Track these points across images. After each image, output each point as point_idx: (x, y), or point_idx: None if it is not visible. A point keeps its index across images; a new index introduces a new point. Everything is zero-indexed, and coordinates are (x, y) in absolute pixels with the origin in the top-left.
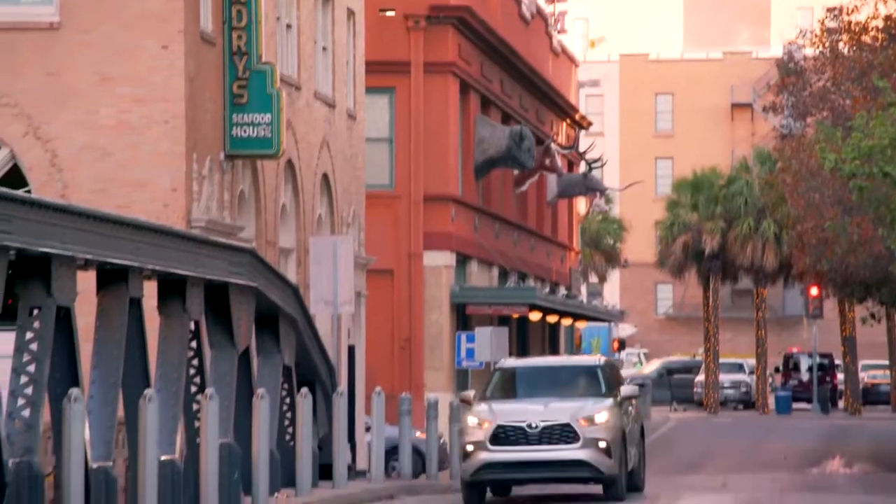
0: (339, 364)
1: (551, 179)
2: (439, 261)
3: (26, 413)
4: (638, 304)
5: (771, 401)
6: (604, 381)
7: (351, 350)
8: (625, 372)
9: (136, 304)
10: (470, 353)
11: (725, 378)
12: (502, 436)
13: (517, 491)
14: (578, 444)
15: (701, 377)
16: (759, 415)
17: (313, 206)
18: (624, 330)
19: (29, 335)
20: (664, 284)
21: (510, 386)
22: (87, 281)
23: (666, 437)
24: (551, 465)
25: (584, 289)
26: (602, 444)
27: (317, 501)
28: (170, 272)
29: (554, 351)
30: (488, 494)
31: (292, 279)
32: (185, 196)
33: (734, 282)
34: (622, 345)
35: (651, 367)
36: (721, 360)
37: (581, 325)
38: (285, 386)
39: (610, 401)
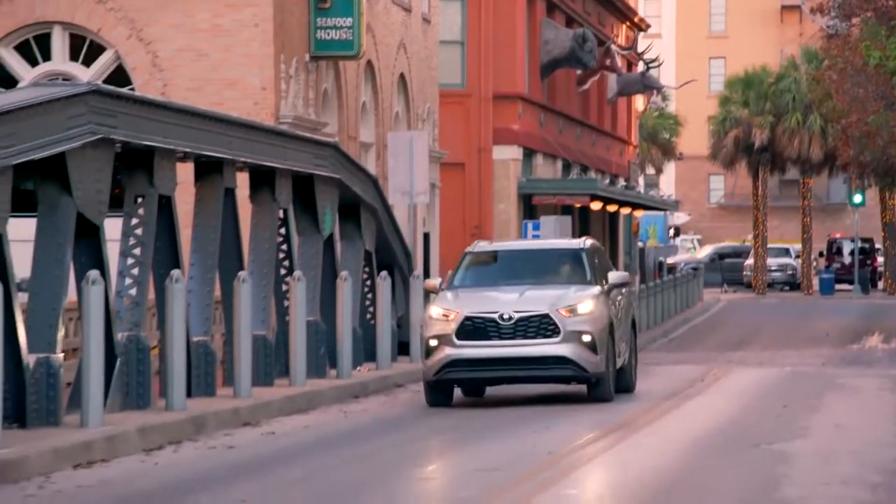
0: (415, 249)
1: (611, 78)
2: (507, 154)
3: (133, 292)
4: (692, 193)
5: (815, 282)
6: (589, 266)
7: (426, 237)
8: (679, 257)
9: (230, 194)
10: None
11: (773, 262)
12: (470, 329)
13: (492, 392)
14: (559, 338)
15: (750, 261)
16: (803, 296)
17: (391, 103)
18: (679, 218)
19: (134, 221)
20: (716, 175)
21: (482, 273)
22: (185, 172)
23: (716, 316)
24: (527, 362)
25: (641, 180)
26: (586, 338)
27: (396, 374)
28: (260, 164)
29: (613, 239)
30: (458, 395)
31: (372, 171)
32: (274, 94)
33: (782, 172)
34: (677, 232)
35: (704, 252)
36: (769, 246)
37: (638, 213)
38: (366, 269)
39: (596, 289)
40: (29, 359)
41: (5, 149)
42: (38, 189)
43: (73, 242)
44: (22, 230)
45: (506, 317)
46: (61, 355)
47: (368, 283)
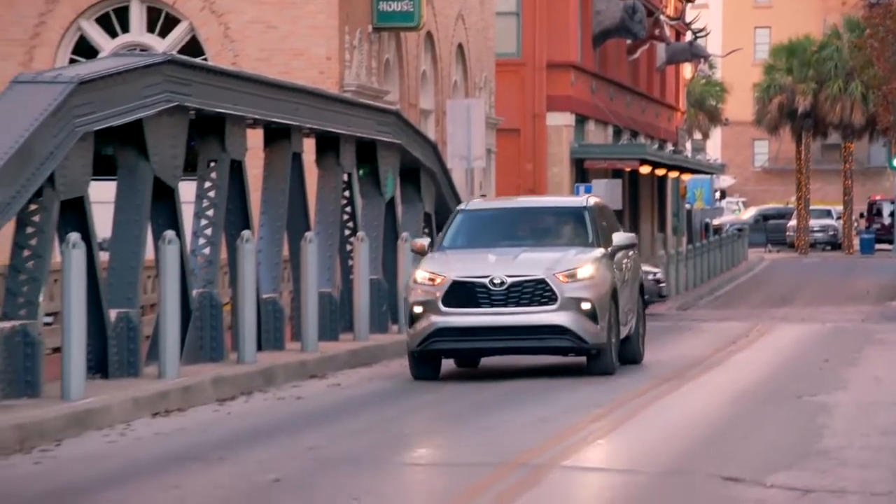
0: None
1: (660, 48)
2: (560, 121)
3: (207, 251)
4: (737, 158)
5: (856, 242)
6: (592, 227)
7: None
8: (724, 218)
9: (297, 158)
10: None
11: (815, 223)
12: (458, 294)
13: (486, 362)
14: (555, 306)
15: (793, 222)
16: (844, 255)
17: (450, 72)
18: (724, 181)
19: (207, 184)
20: (761, 140)
21: (476, 233)
22: (255, 138)
23: (760, 275)
24: (520, 331)
25: (688, 145)
26: (585, 306)
27: None
28: (325, 130)
29: (662, 201)
30: (451, 365)
31: (431, 137)
32: (339, 64)
33: (824, 137)
34: (723, 194)
35: (748, 214)
36: (811, 207)
37: (686, 177)
38: (426, 230)
39: (598, 251)
40: (110, 314)
41: (87, 116)
42: (118, 154)
43: (151, 204)
44: (103, 193)
45: (497, 281)
46: (140, 310)
47: None
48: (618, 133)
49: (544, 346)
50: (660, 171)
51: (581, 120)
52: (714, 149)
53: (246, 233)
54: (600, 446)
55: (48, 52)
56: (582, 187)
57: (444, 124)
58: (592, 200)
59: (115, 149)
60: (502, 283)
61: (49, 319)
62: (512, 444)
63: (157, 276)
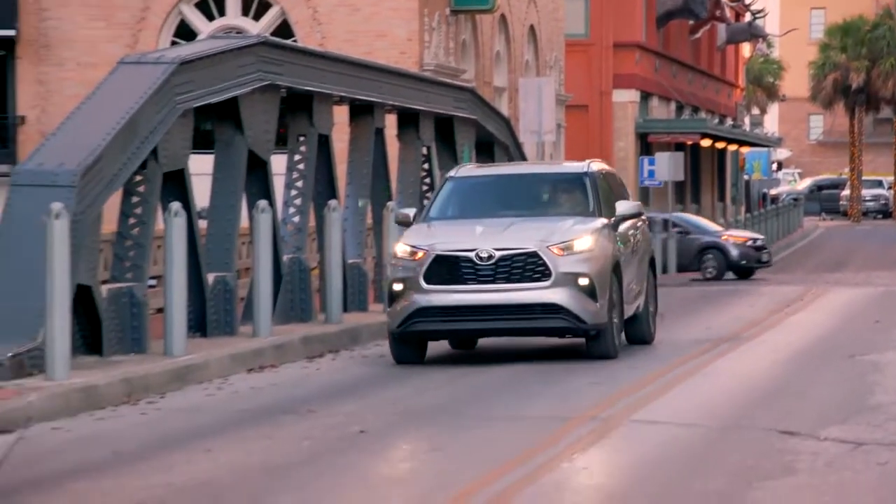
0: None
1: (721, 28)
2: (625, 97)
3: (296, 219)
4: (793, 131)
5: None
6: (593, 195)
7: None
8: (781, 189)
9: (379, 133)
10: (651, 174)
11: (867, 192)
12: (442, 270)
13: (484, 343)
14: (549, 282)
15: (846, 192)
16: (894, 223)
17: (522, 52)
18: (781, 154)
19: (297, 157)
20: (815, 115)
21: (466, 202)
22: (341, 114)
23: (815, 241)
24: (510, 311)
25: (747, 119)
26: (583, 282)
27: None
28: (406, 107)
29: (721, 173)
30: (445, 346)
31: (505, 113)
32: (418, 44)
33: (876, 112)
34: (779, 166)
35: (804, 185)
36: (863, 178)
37: (744, 150)
38: None
39: (599, 221)
40: (208, 277)
41: (187, 94)
42: (215, 129)
43: (245, 176)
44: (201, 165)
45: (484, 255)
46: (236, 274)
47: None
48: (680, 108)
49: (537, 326)
50: (720, 145)
51: (645, 96)
52: (771, 123)
53: (333, 202)
54: (663, 402)
55: (152, 35)
56: (646, 160)
57: (516, 101)
58: (595, 166)
59: (212, 124)
60: (490, 256)
61: (153, 282)
62: (578, 401)
63: (250, 243)
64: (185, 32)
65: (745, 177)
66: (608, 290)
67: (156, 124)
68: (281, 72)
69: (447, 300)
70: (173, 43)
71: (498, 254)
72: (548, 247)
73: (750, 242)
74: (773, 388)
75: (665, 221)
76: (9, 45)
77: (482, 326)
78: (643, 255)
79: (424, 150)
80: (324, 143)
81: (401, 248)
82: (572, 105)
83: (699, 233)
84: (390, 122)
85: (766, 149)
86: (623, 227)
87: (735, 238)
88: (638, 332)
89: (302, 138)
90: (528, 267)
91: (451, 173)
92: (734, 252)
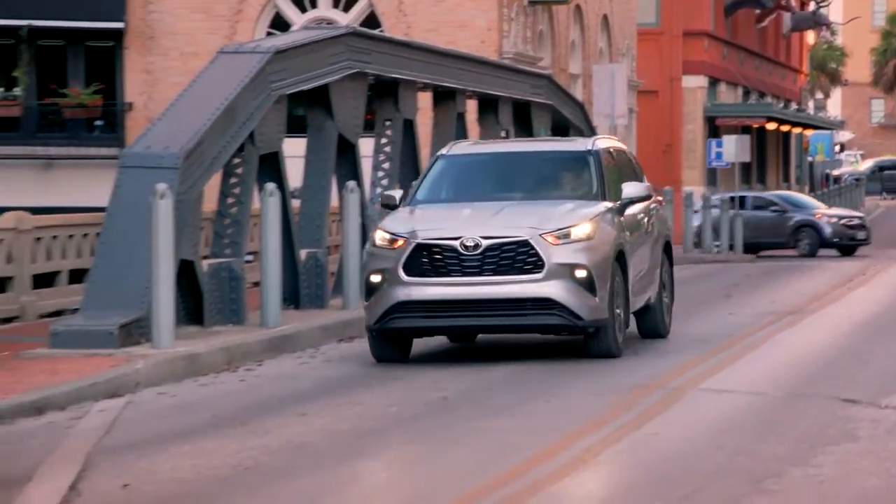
0: None
1: (786, 16)
2: (694, 83)
3: None
4: (855, 115)
5: None
6: (597, 176)
7: None
8: (843, 169)
9: (461, 118)
10: (718, 155)
11: None
12: (423, 261)
13: (482, 338)
14: (542, 274)
15: None
16: None
17: (596, 40)
18: (843, 136)
19: (383, 140)
20: (877, 99)
21: (458, 183)
22: (425, 100)
23: (876, 220)
24: (498, 306)
25: (811, 103)
26: (580, 274)
27: None
28: (486, 93)
29: (786, 154)
30: (443, 341)
31: (579, 98)
32: (498, 34)
33: None
34: (842, 148)
35: (865, 166)
36: None
37: (808, 132)
38: None
39: (602, 205)
40: (301, 253)
41: (281, 81)
42: (307, 114)
43: (335, 158)
44: (294, 148)
45: (469, 244)
46: (327, 250)
47: None
48: (747, 93)
49: (527, 323)
50: (785, 128)
51: (713, 82)
52: (834, 107)
53: (417, 182)
54: (730, 372)
55: (248, 26)
56: (713, 142)
57: (590, 87)
58: (603, 143)
59: (305, 110)
60: (476, 245)
61: (250, 258)
62: (648, 370)
63: (340, 221)
64: (279, 24)
65: (809, 158)
66: (609, 283)
67: (252, 110)
68: (369, 60)
69: (428, 294)
70: (268, 34)
71: (485, 242)
72: (541, 234)
73: (845, 220)
74: (834, 359)
75: (741, 198)
76: (118, 36)
77: (467, 323)
78: (656, 240)
79: (503, 133)
80: (409, 127)
81: (379, 236)
82: (643, 91)
83: (795, 210)
84: (471, 108)
85: (828, 131)
86: (631, 210)
87: (829, 216)
88: (650, 325)
89: (388, 123)
90: (518, 257)
91: (444, 151)
92: (827, 230)
